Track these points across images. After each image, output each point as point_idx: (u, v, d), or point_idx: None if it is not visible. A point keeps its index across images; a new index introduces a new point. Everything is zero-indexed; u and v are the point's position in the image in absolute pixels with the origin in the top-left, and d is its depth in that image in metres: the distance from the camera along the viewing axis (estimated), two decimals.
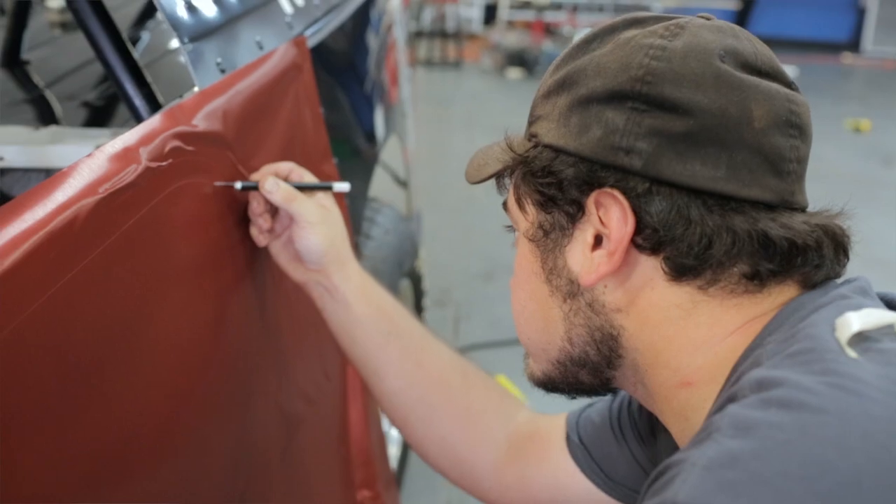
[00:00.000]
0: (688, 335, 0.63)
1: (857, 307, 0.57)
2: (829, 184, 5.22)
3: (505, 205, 0.75)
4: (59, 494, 0.59)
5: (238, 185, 0.90)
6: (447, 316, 3.25)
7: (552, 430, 0.92)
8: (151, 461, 0.72)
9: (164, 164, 0.75)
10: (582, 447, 0.89)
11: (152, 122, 0.79)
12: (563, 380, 0.73)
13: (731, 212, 0.60)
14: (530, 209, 0.69)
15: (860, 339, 0.54)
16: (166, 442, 0.75)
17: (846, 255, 0.65)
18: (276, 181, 0.91)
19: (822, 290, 0.62)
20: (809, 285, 0.63)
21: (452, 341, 3.06)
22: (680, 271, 0.62)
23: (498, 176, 0.73)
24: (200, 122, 0.84)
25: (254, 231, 0.94)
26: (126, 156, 0.71)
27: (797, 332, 0.56)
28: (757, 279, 0.61)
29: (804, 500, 0.43)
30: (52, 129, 1.12)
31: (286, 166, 0.96)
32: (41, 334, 0.57)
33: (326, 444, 1.03)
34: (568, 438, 0.90)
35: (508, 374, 2.67)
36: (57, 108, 1.33)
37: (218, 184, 0.88)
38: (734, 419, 0.49)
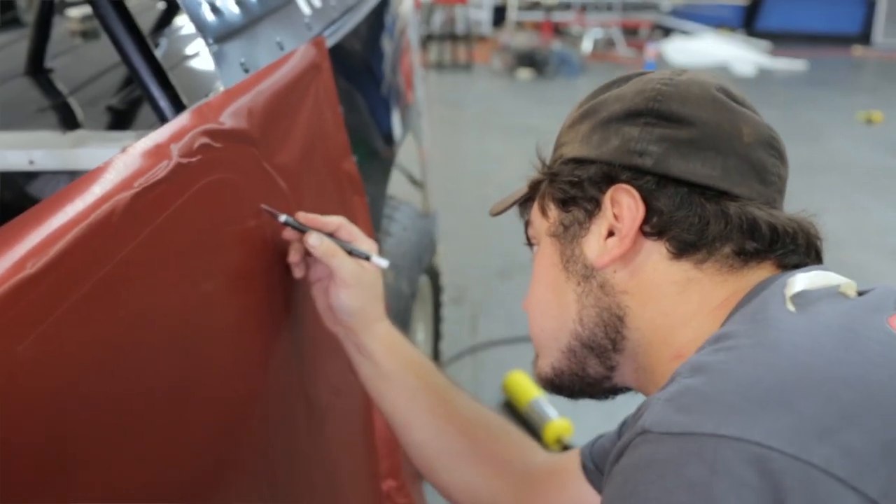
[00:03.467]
0: (681, 310, 0.73)
1: (808, 271, 0.67)
2: (841, 176, 5.22)
3: (527, 225, 0.87)
4: (97, 472, 0.61)
5: (282, 218, 0.93)
6: (464, 313, 3.27)
7: (568, 463, 0.99)
8: (186, 447, 0.74)
9: (193, 160, 0.77)
10: (597, 472, 0.95)
11: (181, 120, 0.81)
12: (570, 371, 0.81)
13: (725, 201, 0.73)
14: (552, 212, 0.81)
15: (802, 296, 0.63)
16: (200, 429, 0.77)
17: (818, 256, 0.76)
18: (320, 237, 0.95)
19: (791, 272, 0.71)
20: (782, 267, 0.73)
21: (470, 338, 3.08)
22: (681, 248, 0.73)
23: (521, 203, 0.88)
24: (227, 120, 0.86)
25: (291, 259, 0.98)
26: (158, 152, 0.73)
27: (759, 299, 0.66)
28: (742, 255, 0.72)
29: (740, 405, 0.52)
30: (79, 132, 1.15)
31: (336, 220, 1.00)
32: (82, 325, 0.59)
33: (353, 434, 1.05)
34: (584, 467, 0.96)
35: (525, 368, 2.68)
36: (81, 113, 1.36)
37: (264, 207, 0.91)
38: (691, 364, 0.58)
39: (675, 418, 0.53)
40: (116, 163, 0.69)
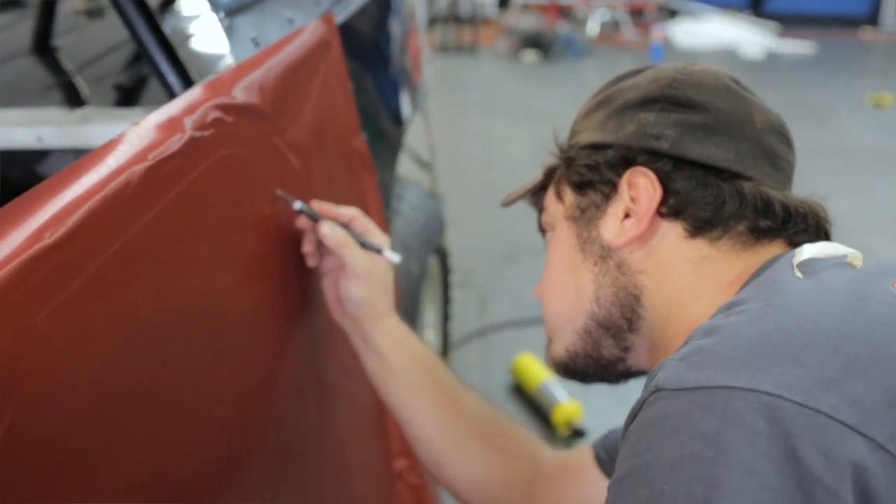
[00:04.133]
0: (695, 286, 0.75)
1: (816, 243, 0.69)
2: (851, 159, 5.20)
3: (540, 212, 0.89)
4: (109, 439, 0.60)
5: (297, 205, 0.92)
6: (471, 297, 3.27)
7: (580, 456, 0.98)
8: (198, 423, 0.74)
9: (206, 133, 0.76)
10: (611, 462, 0.94)
11: (194, 94, 0.80)
12: (585, 353, 0.82)
13: (740, 181, 0.75)
14: (568, 196, 0.83)
15: (810, 264, 0.65)
16: (212, 405, 0.77)
17: (827, 238, 0.77)
18: (333, 226, 0.94)
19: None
20: (792, 245, 0.74)
21: (477, 321, 3.08)
22: (697, 226, 0.75)
23: (533, 192, 0.89)
24: (239, 94, 0.85)
25: (304, 248, 0.97)
26: (171, 125, 0.73)
27: (769, 270, 0.67)
28: (756, 233, 0.74)
29: (750, 361, 0.54)
30: (86, 109, 1.14)
31: (350, 212, 0.99)
32: (98, 297, 0.58)
33: (364, 414, 1.05)
34: (597, 458, 0.95)
35: (533, 351, 2.68)
36: (88, 90, 1.35)
37: (280, 193, 0.90)
38: (703, 328, 0.59)
39: (687, 375, 0.55)
40: (130, 135, 0.69)
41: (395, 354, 0.99)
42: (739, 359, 0.54)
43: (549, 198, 0.86)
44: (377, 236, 0.99)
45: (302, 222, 0.96)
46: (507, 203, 0.94)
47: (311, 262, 0.98)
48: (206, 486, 0.75)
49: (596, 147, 0.80)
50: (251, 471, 0.85)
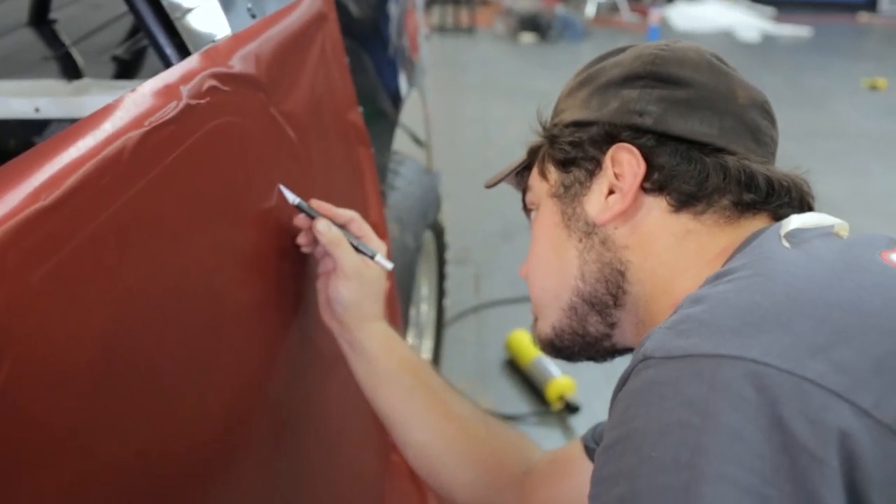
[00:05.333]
0: (680, 260, 0.75)
1: (803, 214, 0.69)
2: (846, 142, 5.20)
3: (525, 192, 0.89)
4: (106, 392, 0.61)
5: (295, 200, 0.93)
6: (468, 273, 3.27)
7: (570, 450, 0.98)
8: (193, 388, 0.75)
9: (202, 101, 0.77)
10: None
11: (190, 62, 0.81)
12: (571, 330, 0.82)
13: (723, 155, 0.75)
14: (552, 174, 0.83)
15: (797, 235, 0.65)
16: (208, 370, 0.77)
17: (811, 211, 0.77)
18: (329, 224, 0.94)
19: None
20: (777, 219, 0.75)
21: (474, 298, 3.09)
22: (682, 201, 0.75)
23: (517, 173, 0.89)
24: (235, 64, 0.86)
25: (299, 240, 0.98)
26: (168, 92, 0.73)
27: (756, 241, 0.68)
28: (740, 206, 0.75)
29: (738, 328, 0.54)
30: (83, 81, 1.14)
31: (348, 214, 0.99)
32: (94, 259, 0.59)
33: (359, 399, 1.06)
34: (587, 448, 0.95)
35: (526, 327, 2.69)
36: (85, 62, 1.35)
37: (280, 187, 0.91)
38: (691, 297, 0.60)
39: (675, 343, 0.55)
40: (126, 101, 0.69)
41: (383, 359, 0.99)
42: (727, 327, 0.54)
43: (534, 177, 0.86)
44: (373, 241, 0.99)
45: (299, 220, 0.96)
46: (491, 184, 0.93)
47: (305, 250, 0.98)
48: (199, 453, 0.76)
49: (580, 124, 0.80)
50: (244, 439, 0.86)
